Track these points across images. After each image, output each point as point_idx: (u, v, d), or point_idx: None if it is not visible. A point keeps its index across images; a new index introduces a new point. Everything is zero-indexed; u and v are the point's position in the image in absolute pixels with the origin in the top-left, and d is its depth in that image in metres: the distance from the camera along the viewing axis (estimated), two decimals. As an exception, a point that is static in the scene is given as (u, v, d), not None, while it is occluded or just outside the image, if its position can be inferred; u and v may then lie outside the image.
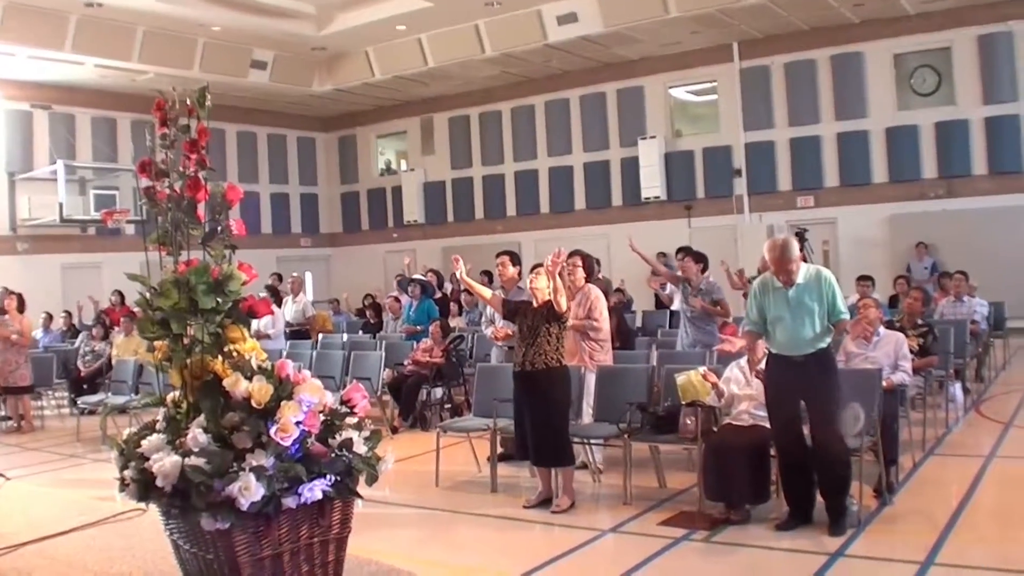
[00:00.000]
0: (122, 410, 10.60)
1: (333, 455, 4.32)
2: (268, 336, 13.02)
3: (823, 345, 6.49)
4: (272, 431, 4.12)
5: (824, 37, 20.69)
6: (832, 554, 5.95)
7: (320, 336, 15.03)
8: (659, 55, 22.45)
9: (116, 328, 15.01)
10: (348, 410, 4.56)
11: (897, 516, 6.80)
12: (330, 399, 4.51)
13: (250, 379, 4.27)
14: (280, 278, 18.17)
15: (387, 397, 12.01)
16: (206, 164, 4.40)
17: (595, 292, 8.88)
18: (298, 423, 4.19)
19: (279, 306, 15.24)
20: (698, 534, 6.56)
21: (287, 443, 4.13)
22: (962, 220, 19.09)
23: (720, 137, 22.49)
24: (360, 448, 4.39)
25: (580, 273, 8.88)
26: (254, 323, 6.05)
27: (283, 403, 4.19)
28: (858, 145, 20.66)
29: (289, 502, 4.16)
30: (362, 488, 4.48)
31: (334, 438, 4.37)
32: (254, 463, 4.06)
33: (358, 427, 4.50)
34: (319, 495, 4.24)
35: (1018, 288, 17.60)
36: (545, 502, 7.53)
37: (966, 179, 19.50)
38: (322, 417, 4.40)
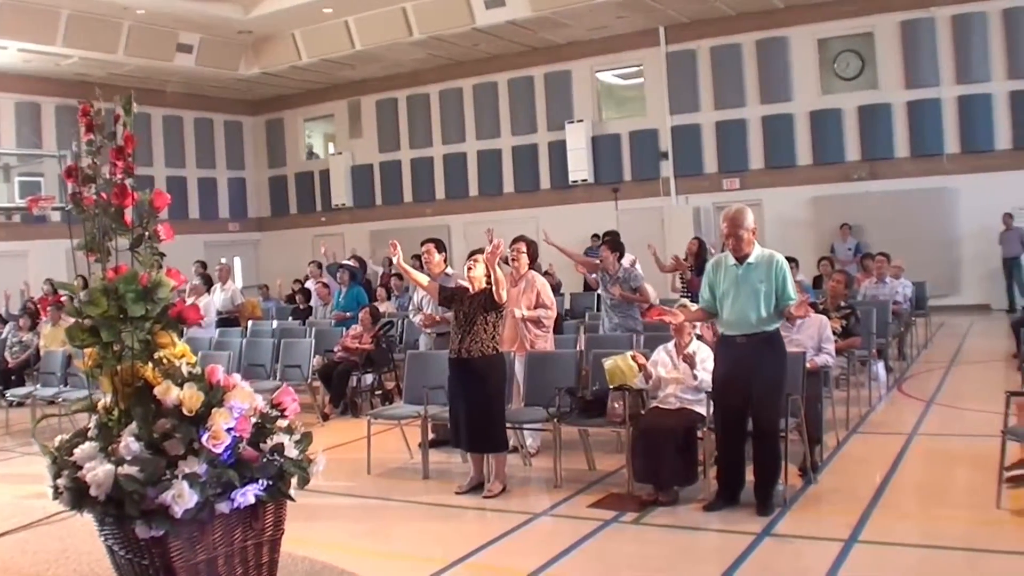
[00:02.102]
0: (52, 400, 10.48)
1: (265, 459, 4.36)
2: (199, 324, 12.89)
3: (769, 329, 6.58)
4: (204, 438, 4.15)
5: (749, 22, 20.91)
6: (759, 533, 6.08)
7: (250, 323, 14.91)
8: (586, 39, 22.54)
9: (43, 318, 14.74)
10: (279, 413, 4.60)
11: (822, 495, 6.97)
12: (260, 401, 4.55)
13: (181, 386, 4.29)
14: (204, 266, 17.86)
15: (317, 384, 11.99)
16: (132, 171, 4.39)
17: (540, 279, 8.93)
18: (229, 429, 4.22)
19: (210, 293, 15.06)
20: (627, 516, 6.68)
21: (219, 450, 4.16)
22: (885, 202, 19.51)
23: (647, 120, 22.63)
24: (291, 451, 4.44)
25: (524, 259, 8.91)
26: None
27: (214, 410, 4.22)
28: (783, 128, 20.95)
29: (222, 507, 4.21)
30: (294, 488, 4.54)
31: (265, 442, 4.41)
32: (187, 470, 4.09)
33: (289, 430, 4.55)
34: (252, 499, 4.29)
35: (939, 267, 18.09)
36: (477, 487, 7.60)
37: (889, 161, 19.89)
38: (253, 420, 4.43)
